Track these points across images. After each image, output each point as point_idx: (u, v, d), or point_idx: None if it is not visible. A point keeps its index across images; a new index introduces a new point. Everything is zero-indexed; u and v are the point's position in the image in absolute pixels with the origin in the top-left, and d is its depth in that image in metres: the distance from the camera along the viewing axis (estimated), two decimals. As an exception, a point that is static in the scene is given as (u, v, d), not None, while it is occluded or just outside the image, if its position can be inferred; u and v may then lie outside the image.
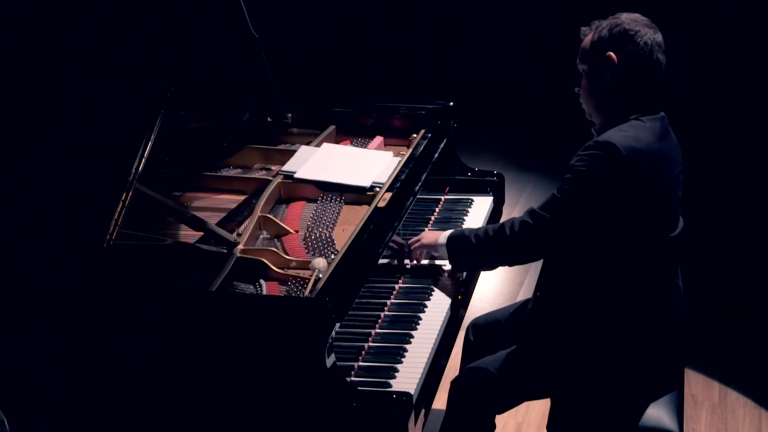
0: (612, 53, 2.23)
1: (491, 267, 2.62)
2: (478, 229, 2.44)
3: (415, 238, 2.63)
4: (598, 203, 2.17)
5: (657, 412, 2.28)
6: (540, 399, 2.50)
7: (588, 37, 2.31)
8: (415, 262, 2.64)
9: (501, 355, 2.44)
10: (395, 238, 2.58)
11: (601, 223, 2.19)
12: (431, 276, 2.61)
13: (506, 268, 4.27)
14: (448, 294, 2.54)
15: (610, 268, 2.25)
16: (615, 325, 2.28)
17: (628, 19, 2.26)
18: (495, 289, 4.22)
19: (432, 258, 2.67)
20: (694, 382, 3.50)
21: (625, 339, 2.28)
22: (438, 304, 2.49)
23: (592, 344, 2.30)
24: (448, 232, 2.52)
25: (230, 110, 3.27)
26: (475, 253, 2.43)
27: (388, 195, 2.63)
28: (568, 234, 2.23)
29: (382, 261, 2.46)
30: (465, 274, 2.67)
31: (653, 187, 2.18)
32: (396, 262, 2.63)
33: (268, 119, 3.27)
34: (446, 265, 2.66)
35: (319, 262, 2.32)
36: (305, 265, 2.37)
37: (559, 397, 2.39)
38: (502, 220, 2.75)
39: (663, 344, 2.33)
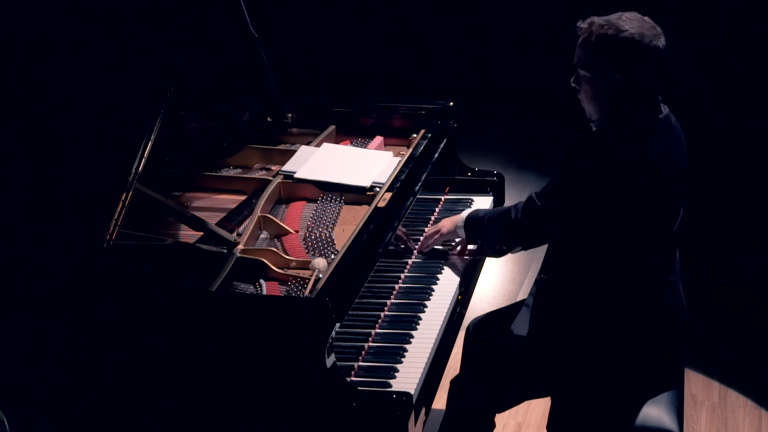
0: (618, 73, 2.15)
1: (502, 250, 2.65)
2: (492, 210, 2.51)
3: (432, 229, 2.69)
4: (590, 200, 2.18)
5: (657, 412, 2.28)
6: (539, 397, 2.50)
7: (587, 40, 2.18)
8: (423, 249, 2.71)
9: (500, 353, 2.44)
10: (400, 229, 2.63)
11: (597, 215, 2.20)
12: (432, 273, 2.62)
13: (506, 267, 4.34)
14: (448, 294, 2.54)
15: (611, 257, 2.26)
16: (613, 316, 2.29)
17: (632, 28, 2.13)
18: (495, 289, 4.22)
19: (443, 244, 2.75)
20: (694, 382, 3.50)
21: (623, 331, 2.29)
22: (438, 305, 2.48)
23: (592, 337, 2.31)
24: (466, 212, 2.60)
25: (230, 110, 3.27)
26: (487, 235, 2.52)
27: (388, 195, 2.63)
28: (563, 223, 2.27)
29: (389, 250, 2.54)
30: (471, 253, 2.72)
31: (648, 185, 2.18)
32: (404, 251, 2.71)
33: (268, 119, 3.27)
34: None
35: (319, 262, 2.32)
36: (305, 265, 2.37)
37: (559, 395, 2.39)
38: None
39: (660, 338, 2.34)
